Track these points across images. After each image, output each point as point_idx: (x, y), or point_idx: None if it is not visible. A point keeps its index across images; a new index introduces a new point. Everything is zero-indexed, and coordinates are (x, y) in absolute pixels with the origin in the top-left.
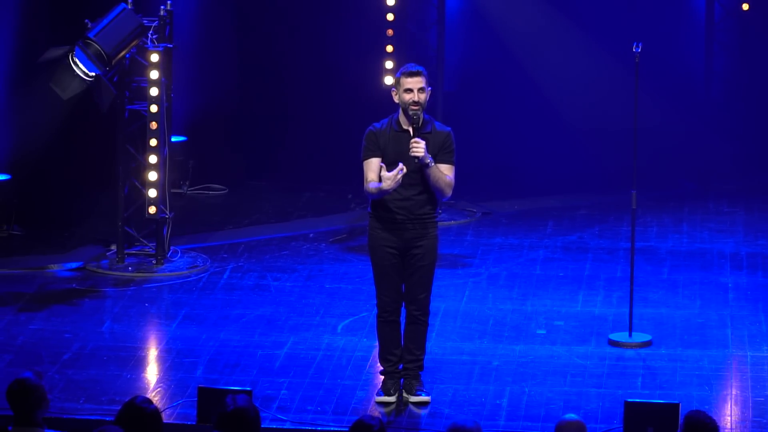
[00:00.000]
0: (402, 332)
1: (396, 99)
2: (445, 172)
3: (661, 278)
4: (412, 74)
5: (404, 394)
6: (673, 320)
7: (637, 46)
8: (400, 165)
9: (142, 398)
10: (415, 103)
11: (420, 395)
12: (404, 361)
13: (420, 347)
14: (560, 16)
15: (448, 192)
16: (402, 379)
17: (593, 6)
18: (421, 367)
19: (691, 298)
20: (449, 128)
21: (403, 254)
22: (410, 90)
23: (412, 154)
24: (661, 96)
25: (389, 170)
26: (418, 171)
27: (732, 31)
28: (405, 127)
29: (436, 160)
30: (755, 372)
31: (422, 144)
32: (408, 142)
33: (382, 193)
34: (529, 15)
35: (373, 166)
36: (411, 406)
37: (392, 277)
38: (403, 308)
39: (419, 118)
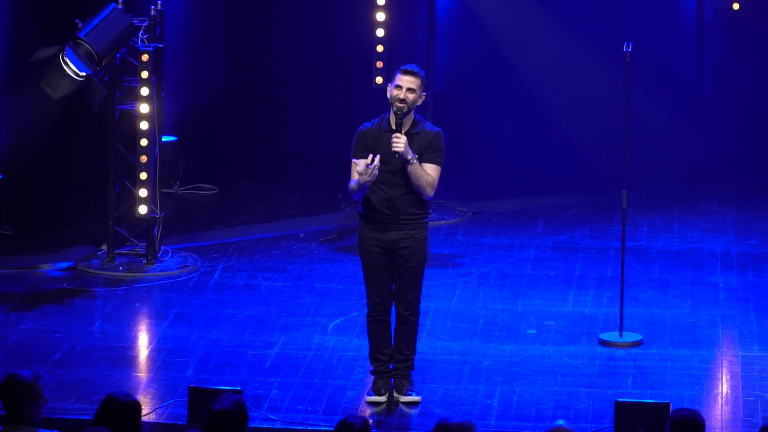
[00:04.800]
0: (392, 332)
1: (388, 94)
2: (428, 172)
3: (651, 278)
4: (406, 72)
5: (395, 394)
6: (663, 320)
7: (628, 46)
8: (371, 156)
9: (119, 392)
10: (401, 101)
11: (411, 395)
12: (394, 360)
13: (410, 347)
14: (551, 15)
15: (429, 192)
16: (392, 379)
17: (584, 6)
18: (411, 367)
19: (682, 298)
20: (439, 129)
21: (391, 254)
22: (400, 87)
23: (393, 149)
24: (652, 96)
25: (380, 169)
26: (405, 171)
27: (722, 31)
28: (393, 126)
29: (422, 159)
30: (746, 371)
31: (403, 139)
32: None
33: (362, 188)
34: (519, 14)
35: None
36: (401, 406)
37: (381, 277)
38: (393, 308)
39: (401, 113)
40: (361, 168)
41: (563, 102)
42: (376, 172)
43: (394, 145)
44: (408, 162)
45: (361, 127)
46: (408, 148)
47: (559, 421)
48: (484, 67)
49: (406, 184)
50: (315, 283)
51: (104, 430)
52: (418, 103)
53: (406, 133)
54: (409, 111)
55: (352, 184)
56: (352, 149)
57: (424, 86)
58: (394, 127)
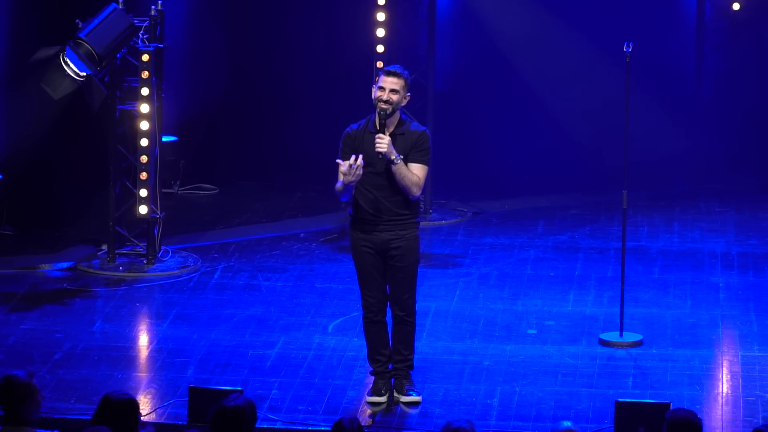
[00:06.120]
0: (389, 332)
1: (372, 95)
2: (414, 171)
3: (652, 278)
4: (389, 73)
5: (395, 394)
6: (664, 320)
7: (628, 46)
8: (354, 156)
9: (117, 391)
10: (384, 102)
11: (411, 395)
12: (393, 361)
13: (408, 347)
14: (551, 15)
15: (415, 191)
16: (392, 379)
17: (584, 6)
18: (410, 367)
19: (682, 298)
20: (425, 128)
21: (382, 255)
22: (383, 88)
23: (376, 149)
24: (653, 96)
25: (364, 170)
26: (390, 171)
27: (723, 32)
28: (378, 127)
29: (408, 159)
30: (746, 371)
31: (386, 139)
32: None
33: (347, 189)
34: (519, 14)
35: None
36: (402, 406)
37: (374, 278)
38: (388, 308)
39: (384, 114)
40: (345, 168)
41: (563, 102)
42: (360, 171)
43: (377, 145)
44: (392, 162)
45: (348, 129)
46: (391, 147)
47: (565, 423)
48: (485, 67)
49: (392, 185)
50: (315, 283)
51: (104, 429)
52: (403, 104)
53: (391, 134)
54: (393, 112)
55: (338, 185)
56: (339, 151)
57: (408, 87)
58: (378, 128)
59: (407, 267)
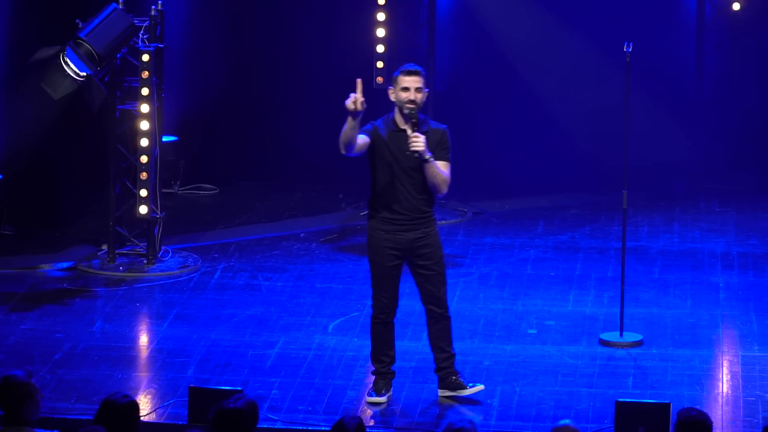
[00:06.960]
0: (394, 333)
1: (392, 97)
2: (442, 169)
3: (652, 278)
4: (410, 73)
5: (452, 392)
6: (664, 320)
7: (628, 46)
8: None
9: (118, 393)
10: (411, 101)
11: (475, 385)
12: (437, 360)
13: (450, 343)
14: (551, 15)
15: (444, 189)
16: (438, 378)
17: (584, 6)
18: (454, 362)
19: (682, 298)
20: (445, 126)
21: (407, 255)
22: (407, 89)
23: (412, 148)
24: (653, 96)
25: (382, 170)
26: (419, 170)
27: (723, 32)
28: (401, 126)
29: (434, 157)
30: (746, 371)
31: (421, 138)
32: (405, 141)
33: (352, 132)
34: (519, 15)
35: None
36: (399, 406)
37: (393, 279)
38: (397, 310)
39: (415, 114)
40: (356, 96)
41: (563, 102)
42: (362, 100)
43: (413, 144)
44: (426, 161)
45: (371, 122)
46: (425, 146)
47: (564, 420)
48: (485, 67)
49: (421, 183)
50: (315, 283)
51: (99, 429)
52: (424, 100)
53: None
54: (418, 110)
55: (345, 127)
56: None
57: (426, 82)
58: (402, 127)
59: (438, 262)
